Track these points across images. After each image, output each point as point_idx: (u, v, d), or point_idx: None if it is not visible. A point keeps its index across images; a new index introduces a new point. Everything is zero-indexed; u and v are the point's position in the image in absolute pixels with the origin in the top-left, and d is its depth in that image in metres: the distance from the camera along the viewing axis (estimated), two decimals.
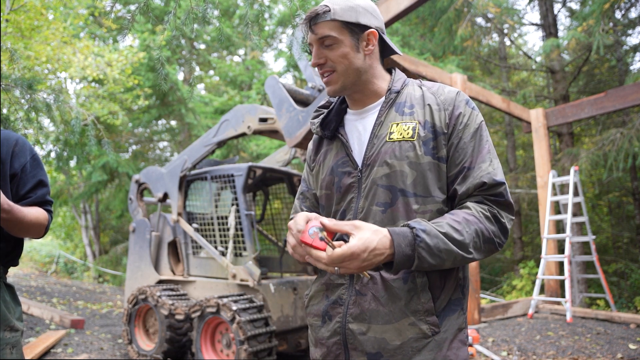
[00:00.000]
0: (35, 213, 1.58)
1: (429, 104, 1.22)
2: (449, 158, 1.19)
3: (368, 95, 1.30)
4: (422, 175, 1.17)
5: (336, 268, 1.03)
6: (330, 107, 1.38)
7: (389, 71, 1.35)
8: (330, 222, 1.05)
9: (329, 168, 1.31)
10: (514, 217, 1.17)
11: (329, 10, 1.20)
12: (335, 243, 1.02)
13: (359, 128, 1.30)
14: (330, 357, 1.23)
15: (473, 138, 1.19)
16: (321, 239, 1.02)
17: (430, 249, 1.05)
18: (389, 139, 1.20)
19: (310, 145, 1.45)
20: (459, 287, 1.21)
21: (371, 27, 1.24)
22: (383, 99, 1.28)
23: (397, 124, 1.21)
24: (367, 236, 1.01)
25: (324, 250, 1.02)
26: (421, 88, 1.28)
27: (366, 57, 1.26)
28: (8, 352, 1.53)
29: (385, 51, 1.33)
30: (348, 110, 1.36)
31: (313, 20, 1.22)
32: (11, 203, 1.46)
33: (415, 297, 1.14)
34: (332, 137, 1.35)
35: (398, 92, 1.27)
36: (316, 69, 1.31)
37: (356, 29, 1.23)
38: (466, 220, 1.10)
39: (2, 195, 1.41)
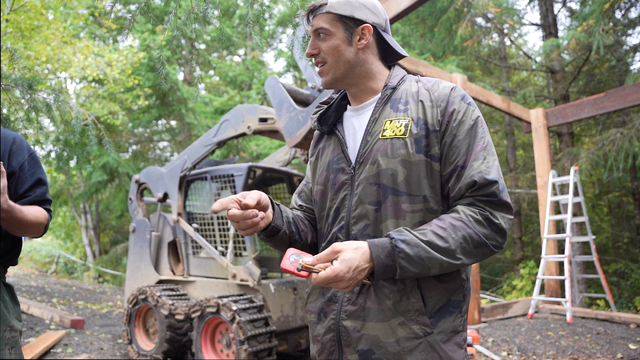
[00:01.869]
0: (34, 212, 1.57)
1: (421, 100, 1.20)
2: (444, 157, 1.15)
3: (364, 91, 1.29)
4: (413, 173, 1.14)
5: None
6: (331, 102, 1.38)
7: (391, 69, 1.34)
8: (313, 260, 1.05)
9: (326, 164, 1.31)
10: (511, 217, 1.12)
11: (326, 4, 1.24)
12: (319, 266, 1.03)
13: (355, 124, 1.29)
14: (324, 354, 1.23)
15: (468, 135, 1.15)
16: (298, 269, 1.03)
17: (411, 259, 1.04)
18: (382, 136, 1.19)
19: (312, 140, 1.46)
20: (460, 289, 1.17)
21: (367, 22, 1.24)
22: (379, 95, 1.27)
23: (391, 121, 1.20)
24: (349, 256, 1.02)
25: (307, 276, 1.03)
26: (417, 84, 1.25)
27: (359, 51, 1.25)
28: (7, 352, 1.53)
29: (389, 51, 1.32)
30: (348, 106, 1.36)
31: (312, 13, 1.26)
32: (11, 202, 1.45)
33: (404, 296, 1.12)
34: (330, 132, 1.35)
35: (394, 88, 1.25)
36: (317, 68, 1.32)
37: (350, 23, 1.24)
38: (452, 226, 1.07)
39: (3, 195, 1.40)
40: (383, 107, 1.24)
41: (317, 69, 1.31)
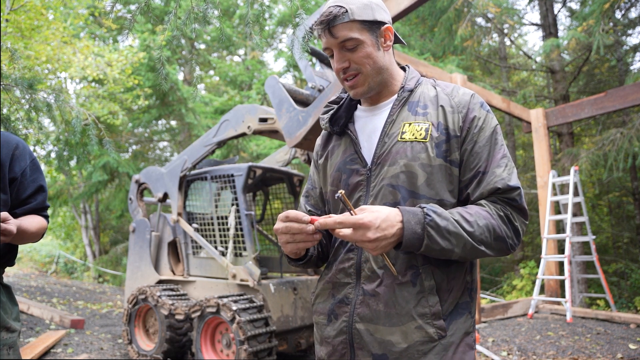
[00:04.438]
0: (36, 224, 1.62)
1: (442, 106, 1.19)
2: (464, 162, 1.16)
3: (381, 93, 1.28)
4: (433, 177, 1.14)
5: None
6: (341, 102, 1.36)
7: (403, 69, 1.33)
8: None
9: (337, 165, 1.29)
10: (527, 222, 1.16)
11: (347, 11, 1.16)
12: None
13: (368, 125, 1.27)
14: (335, 356, 1.22)
15: (488, 142, 1.16)
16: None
17: (440, 229, 1.04)
18: (401, 138, 1.18)
19: (318, 141, 1.42)
20: (466, 291, 1.19)
21: (386, 23, 1.22)
22: (395, 96, 1.25)
23: (410, 124, 1.19)
24: (377, 209, 1.04)
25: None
26: (435, 88, 1.24)
27: (385, 54, 1.23)
28: (5, 352, 1.53)
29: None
30: (359, 106, 1.34)
31: (331, 23, 1.17)
32: (18, 223, 1.50)
33: (423, 300, 1.12)
34: (341, 133, 1.33)
35: (411, 91, 1.24)
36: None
37: (374, 27, 1.20)
38: (478, 214, 1.09)
39: (13, 223, 1.44)
40: (400, 109, 1.22)
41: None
